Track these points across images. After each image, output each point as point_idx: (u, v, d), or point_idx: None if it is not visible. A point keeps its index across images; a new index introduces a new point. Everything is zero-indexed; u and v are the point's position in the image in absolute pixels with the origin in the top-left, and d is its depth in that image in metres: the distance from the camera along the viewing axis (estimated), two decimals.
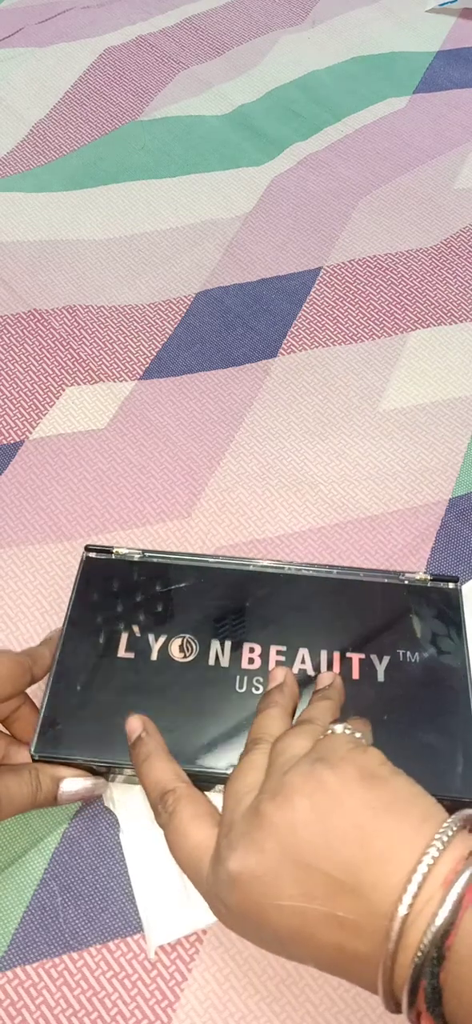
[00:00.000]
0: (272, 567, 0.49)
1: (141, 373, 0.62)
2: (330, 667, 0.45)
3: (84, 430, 0.59)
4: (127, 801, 0.44)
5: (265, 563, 0.49)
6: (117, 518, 0.54)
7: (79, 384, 0.61)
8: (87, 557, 0.50)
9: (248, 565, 0.49)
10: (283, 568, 0.49)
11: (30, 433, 0.59)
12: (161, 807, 0.38)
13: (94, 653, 0.46)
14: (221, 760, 0.42)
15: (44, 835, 0.43)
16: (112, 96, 0.81)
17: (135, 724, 0.42)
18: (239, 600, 0.48)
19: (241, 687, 0.45)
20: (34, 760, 0.43)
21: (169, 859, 0.37)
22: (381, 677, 0.45)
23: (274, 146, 0.77)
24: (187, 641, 0.46)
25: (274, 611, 0.48)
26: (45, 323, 0.64)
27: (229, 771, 0.39)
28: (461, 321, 0.64)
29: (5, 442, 0.58)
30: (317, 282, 0.67)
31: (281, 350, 0.63)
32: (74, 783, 0.43)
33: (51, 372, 0.62)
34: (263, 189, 0.73)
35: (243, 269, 0.68)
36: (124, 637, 0.46)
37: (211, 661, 0.46)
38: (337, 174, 0.74)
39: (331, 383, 0.61)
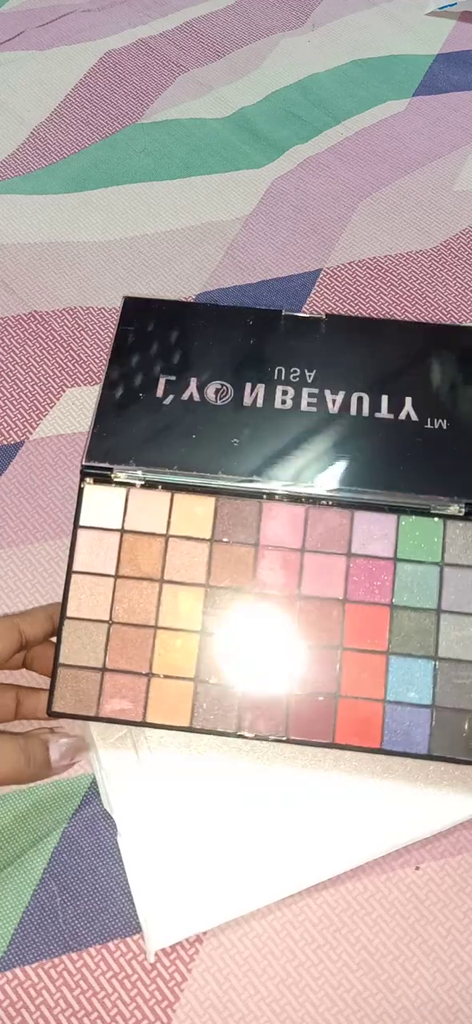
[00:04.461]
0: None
1: None
2: (351, 405, 0.48)
3: (84, 430, 0.59)
4: (125, 804, 0.44)
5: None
6: None
7: (79, 385, 0.61)
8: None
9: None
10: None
11: (30, 433, 0.59)
12: None
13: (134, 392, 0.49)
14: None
15: (43, 835, 0.43)
16: (112, 99, 0.81)
17: None
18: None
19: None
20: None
21: (168, 862, 0.37)
22: (415, 417, 0.48)
23: (274, 148, 0.77)
24: (222, 385, 0.49)
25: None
26: (46, 325, 0.64)
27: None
28: (461, 323, 0.64)
29: (5, 442, 0.58)
30: (317, 284, 0.67)
31: None
32: (60, 745, 0.43)
33: (51, 373, 0.62)
34: (263, 191, 0.73)
35: (243, 271, 0.68)
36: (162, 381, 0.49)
37: (246, 403, 0.48)
38: (337, 176, 0.75)
39: None
